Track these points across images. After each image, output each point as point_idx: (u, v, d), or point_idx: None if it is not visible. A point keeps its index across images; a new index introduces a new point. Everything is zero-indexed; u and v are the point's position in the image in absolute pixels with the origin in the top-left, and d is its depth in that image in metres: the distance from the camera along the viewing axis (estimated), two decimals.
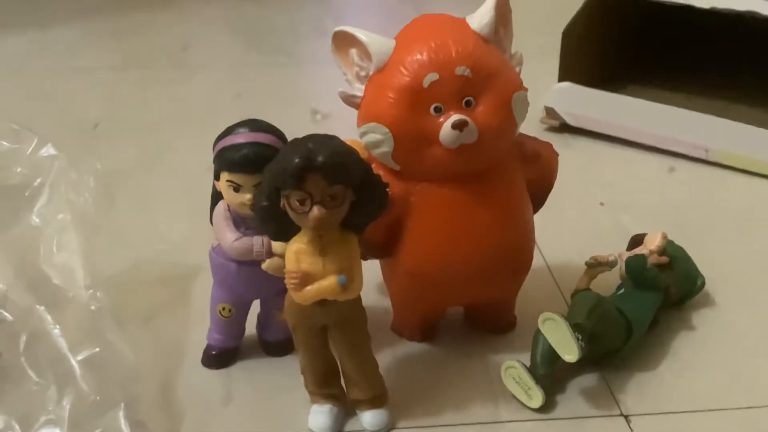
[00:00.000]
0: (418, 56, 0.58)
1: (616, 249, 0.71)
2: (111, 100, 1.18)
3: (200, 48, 1.39)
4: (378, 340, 0.62)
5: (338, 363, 0.60)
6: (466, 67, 0.57)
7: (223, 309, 0.64)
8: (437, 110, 0.58)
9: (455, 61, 0.57)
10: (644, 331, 0.66)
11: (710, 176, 0.96)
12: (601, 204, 0.90)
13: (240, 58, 1.34)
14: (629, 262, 0.68)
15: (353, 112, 0.62)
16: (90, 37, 1.42)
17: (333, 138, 0.53)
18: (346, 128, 0.62)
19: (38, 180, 0.66)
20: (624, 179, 0.96)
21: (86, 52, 1.36)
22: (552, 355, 0.60)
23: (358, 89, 0.61)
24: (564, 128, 1.05)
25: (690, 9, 0.97)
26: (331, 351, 0.59)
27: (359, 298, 0.57)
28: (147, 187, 0.93)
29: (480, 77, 0.58)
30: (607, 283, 0.69)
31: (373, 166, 0.57)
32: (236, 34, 1.44)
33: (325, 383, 0.60)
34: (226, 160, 0.58)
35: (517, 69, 0.61)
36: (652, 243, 0.69)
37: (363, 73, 0.61)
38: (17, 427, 0.54)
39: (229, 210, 0.60)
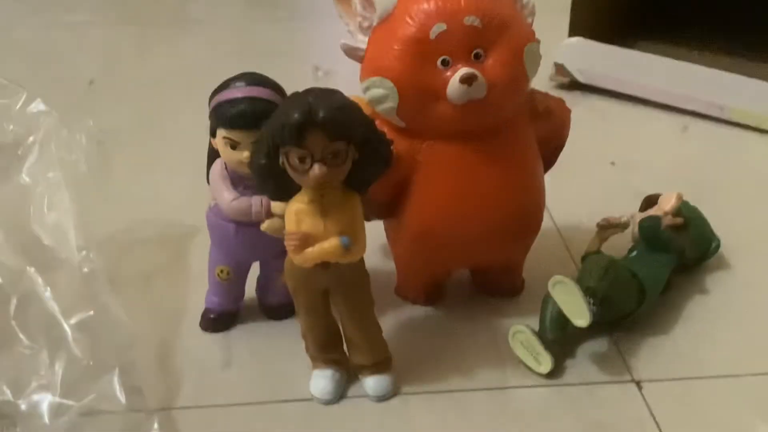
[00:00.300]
0: (425, 5, 0.56)
1: (627, 210, 0.70)
2: (106, 56, 1.17)
3: (199, 3, 1.37)
4: (381, 303, 0.61)
5: (340, 327, 0.59)
6: (476, 17, 0.56)
7: (222, 271, 0.63)
8: (444, 63, 0.56)
9: (464, 11, 0.56)
10: (658, 295, 0.65)
11: (725, 135, 0.95)
12: (612, 164, 0.89)
13: (240, 13, 1.33)
14: (643, 224, 0.67)
15: (356, 69, 0.60)
16: None
17: (334, 92, 0.52)
18: (349, 85, 0.59)
19: (29, 138, 0.64)
20: (636, 138, 0.95)
21: (81, 6, 1.34)
22: (562, 320, 0.59)
23: (361, 41, 0.59)
24: (574, 85, 1.04)
25: None
26: (333, 315, 0.58)
27: (362, 261, 0.56)
28: (143, 145, 0.91)
29: (490, 28, 0.56)
30: (619, 244, 0.68)
31: (376, 122, 0.55)
32: None
33: (327, 348, 0.59)
34: (223, 115, 0.57)
35: (529, 20, 0.59)
36: (667, 204, 0.68)
37: (366, 24, 0.59)
38: (8, 391, 0.54)
39: (226, 168, 0.59)
